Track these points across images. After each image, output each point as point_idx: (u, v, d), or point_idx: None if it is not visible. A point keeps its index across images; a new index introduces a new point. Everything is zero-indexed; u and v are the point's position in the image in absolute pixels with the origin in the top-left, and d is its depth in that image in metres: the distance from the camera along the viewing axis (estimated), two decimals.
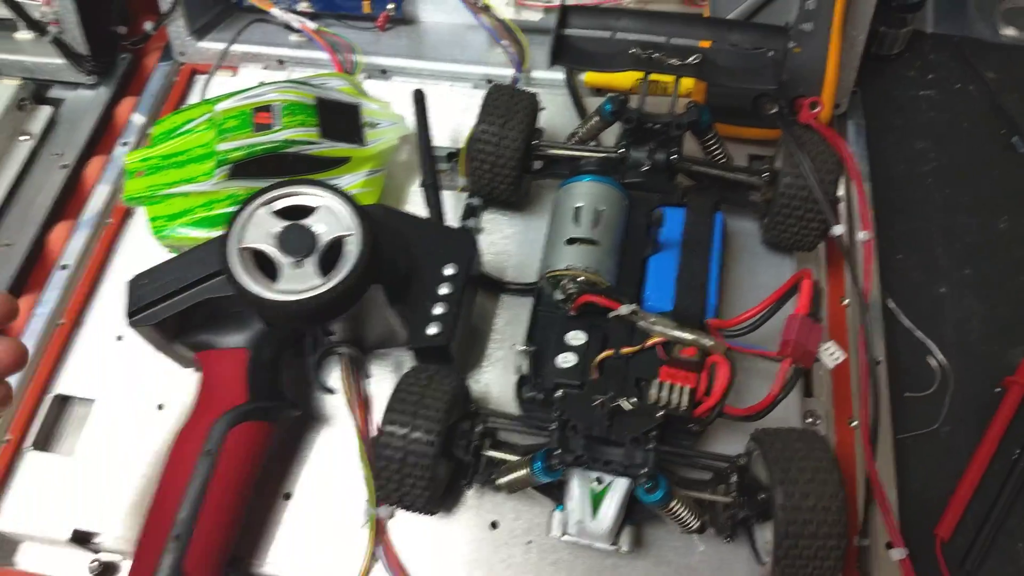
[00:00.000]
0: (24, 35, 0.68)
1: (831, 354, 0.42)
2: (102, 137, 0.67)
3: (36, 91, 0.68)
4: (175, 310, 0.44)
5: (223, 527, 0.43)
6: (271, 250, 0.41)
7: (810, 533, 0.39)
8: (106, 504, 0.49)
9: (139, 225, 0.60)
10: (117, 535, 0.48)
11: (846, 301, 0.56)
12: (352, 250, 0.41)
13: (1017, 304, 0.58)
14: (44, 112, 0.67)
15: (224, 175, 0.53)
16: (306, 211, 0.42)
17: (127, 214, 0.62)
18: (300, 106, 0.54)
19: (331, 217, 0.42)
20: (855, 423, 0.52)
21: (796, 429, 0.43)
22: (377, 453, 0.43)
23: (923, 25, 0.70)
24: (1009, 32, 0.69)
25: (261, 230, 0.41)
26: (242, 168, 0.53)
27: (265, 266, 0.41)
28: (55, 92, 0.69)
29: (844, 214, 0.57)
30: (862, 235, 0.50)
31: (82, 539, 0.49)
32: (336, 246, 0.41)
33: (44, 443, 0.52)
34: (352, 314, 0.44)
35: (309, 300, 0.40)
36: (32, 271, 0.61)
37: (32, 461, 0.51)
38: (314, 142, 0.53)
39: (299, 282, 0.40)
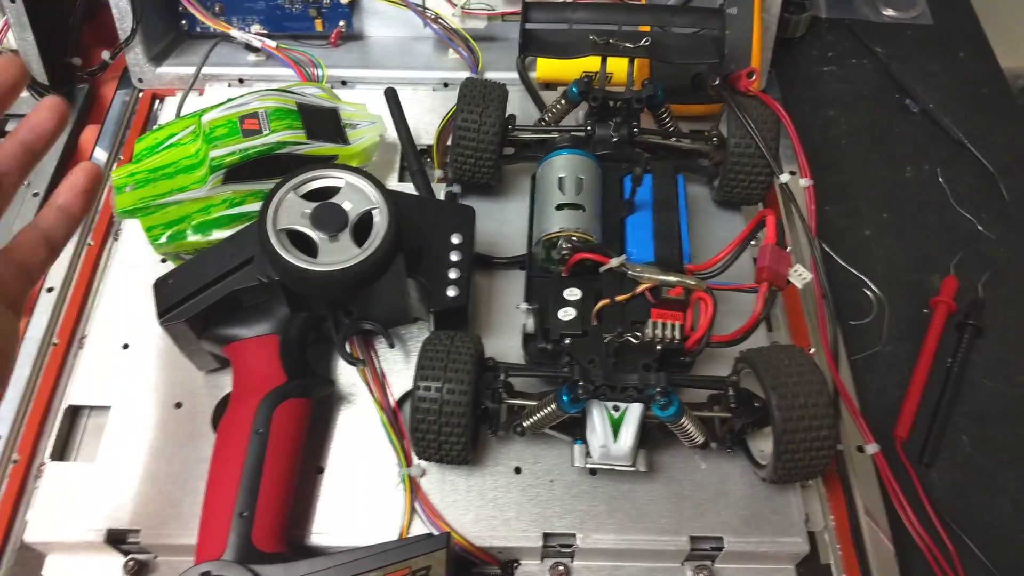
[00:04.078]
0: None
1: (799, 275, 0.48)
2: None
3: None
4: (205, 304, 0.47)
5: (281, 500, 0.46)
6: (306, 229, 0.44)
7: (804, 427, 0.45)
8: (137, 502, 0.50)
9: (125, 243, 0.62)
10: (152, 531, 0.49)
11: (789, 248, 0.64)
12: (381, 219, 0.45)
13: (929, 237, 0.67)
14: None
15: (218, 180, 0.56)
16: (331, 191, 0.45)
17: (107, 234, 0.63)
18: (284, 111, 0.57)
19: (356, 194, 0.45)
20: (813, 349, 0.59)
21: (776, 345, 0.50)
22: (414, 410, 0.46)
23: (818, 11, 0.80)
24: (889, 12, 0.80)
25: (294, 212, 0.44)
26: (236, 172, 0.56)
27: (299, 246, 0.44)
28: (12, 125, 0.70)
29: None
30: (803, 181, 0.57)
31: (117, 539, 0.49)
32: (364, 220, 0.45)
33: (62, 453, 0.53)
34: (372, 290, 0.47)
35: (352, 268, 0.43)
36: None
37: (54, 472, 0.52)
38: (303, 143, 0.57)
39: (338, 254, 0.44)
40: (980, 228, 0.67)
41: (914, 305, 0.63)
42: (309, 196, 0.45)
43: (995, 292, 0.63)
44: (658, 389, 0.45)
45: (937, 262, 0.65)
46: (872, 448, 0.52)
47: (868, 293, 0.64)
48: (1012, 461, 0.56)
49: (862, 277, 0.64)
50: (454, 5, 0.70)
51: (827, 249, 0.65)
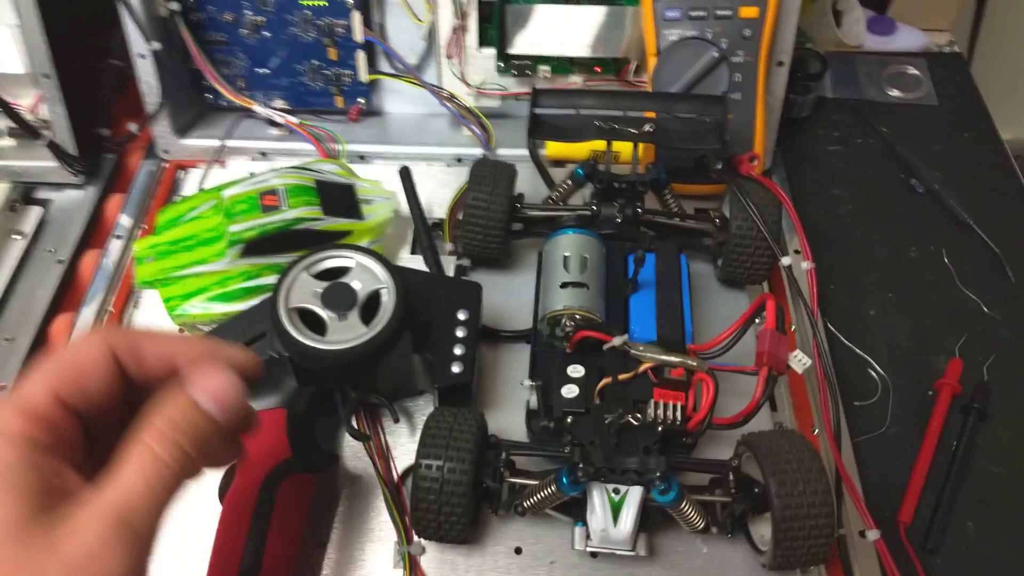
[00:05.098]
0: (7, 141, 0.72)
1: (799, 360, 0.49)
2: (94, 232, 0.71)
3: (25, 193, 0.72)
4: None
5: None
6: (316, 308, 0.45)
7: (803, 515, 0.45)
8: None
9: (143, 311, 0.64)
10: None
11: (793, 327, 0.64)
12: (389, 300, 0.46)
13: (934, 318, 0.67)
14: (35, 212, 0.71)
15: (237, 254, 0.58)
16: (342, 271, 0.47)
17: (127, 302, 0.65)
18: (303, 188, 0.60)
19: (366, 274, 0.47)
20: (816, 431, 0.59)
21: (777, 429, 0.50)
22: (414, 488, 0.47)
23: (824, 91, 0.82)
24: (894, 93, 0.82)
25: (305, 291, 0.46)
26: (254, 246, 0.58)
27: (309, 324, 0.45)
28: (41, 193, 0.73)
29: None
30: (805, 264, 0.58)
31: None
32: (373, 299, 0.46)
33: None
34: (378, 366, 0.49)
35: (359, 347, 0.44)
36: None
37: None
38: (319, 219, 0.59)
39: (346, 333, 0.45)
40: (986, 309, 0.67)
41: (919, 387, 0.63)
42: (321, 275, 0.47)
43: (1001, 375, 0.64)
44: (658, 474, 0.46)
45: (942, 343, 0.65)
46: (873, 535, 0.51)
47: (872, 374, 0.64)
48: (1018, 548, 0.56)
49: (867, 357, 0.65)
50: (469, 85, 0.72)
51: (832, 328, 0.66)
